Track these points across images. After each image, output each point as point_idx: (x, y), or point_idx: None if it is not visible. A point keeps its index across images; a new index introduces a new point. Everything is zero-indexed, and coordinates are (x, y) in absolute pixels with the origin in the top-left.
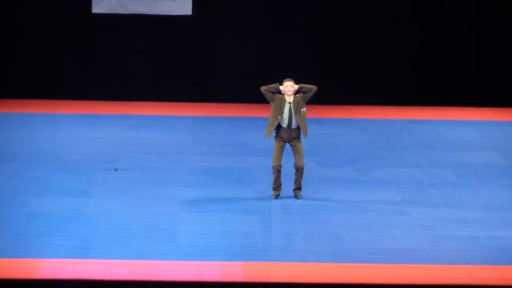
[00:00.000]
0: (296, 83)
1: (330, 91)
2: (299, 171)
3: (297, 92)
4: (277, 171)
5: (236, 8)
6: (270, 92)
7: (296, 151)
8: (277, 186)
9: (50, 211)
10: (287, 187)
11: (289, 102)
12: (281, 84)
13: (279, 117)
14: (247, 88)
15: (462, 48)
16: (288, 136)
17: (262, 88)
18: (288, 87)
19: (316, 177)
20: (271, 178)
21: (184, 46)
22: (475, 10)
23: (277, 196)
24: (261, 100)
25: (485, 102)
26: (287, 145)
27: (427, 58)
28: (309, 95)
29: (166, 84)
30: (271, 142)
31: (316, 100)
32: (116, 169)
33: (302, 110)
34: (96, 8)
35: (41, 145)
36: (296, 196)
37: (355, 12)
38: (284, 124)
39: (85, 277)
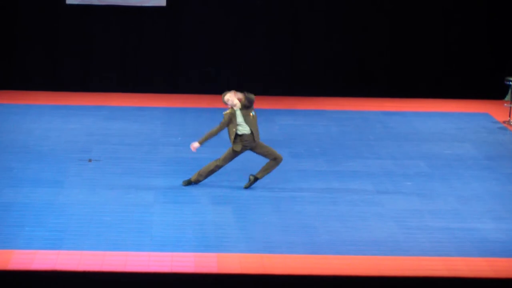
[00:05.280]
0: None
1: (302, 82)
2: (275, 162)
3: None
4: (216, 167)
5: (211, 1)
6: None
7: (265, 152)
8: (201, 177)
9: (22, 202)
10: (259, 179)
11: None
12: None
13: (234, 129)
14: (218, 80)
15: (434, 40)
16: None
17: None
18: (230, 100)
19: (289, 168)
20: (244, 169)
21: (157, 37)
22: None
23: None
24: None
25: (457, 94)
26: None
27: (399, 50)
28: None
29: (138, 75)
30: None
31: (288, 91)
32: (90, 160)
33: (251, 114)
34: None
35: (13, 135)
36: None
37: (324, 2)
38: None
39: (59, 268)
